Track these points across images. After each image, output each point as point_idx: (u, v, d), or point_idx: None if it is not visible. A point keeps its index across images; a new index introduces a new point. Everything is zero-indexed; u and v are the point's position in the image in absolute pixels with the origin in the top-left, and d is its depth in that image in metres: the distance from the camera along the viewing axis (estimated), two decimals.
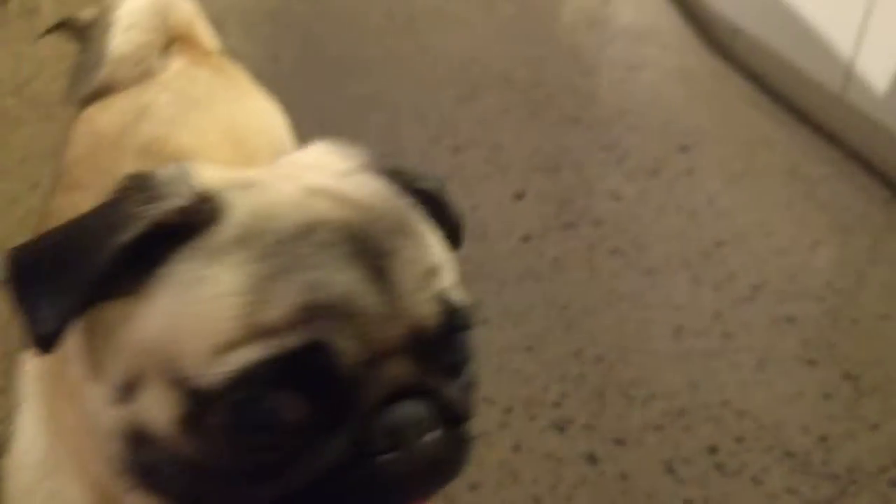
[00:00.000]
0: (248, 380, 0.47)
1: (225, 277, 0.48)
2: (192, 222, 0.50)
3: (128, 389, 0.50)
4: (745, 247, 1.52)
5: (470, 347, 0.56)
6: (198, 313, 0.48)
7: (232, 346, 0.47)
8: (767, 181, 1.71)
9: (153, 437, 0.49)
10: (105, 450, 0.53)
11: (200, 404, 0.48)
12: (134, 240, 0.49)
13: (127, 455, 0.51)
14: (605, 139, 1.84)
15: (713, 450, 1.17)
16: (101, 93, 0.88)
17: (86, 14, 0.94)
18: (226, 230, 0.50)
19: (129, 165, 0.75)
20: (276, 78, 2.04)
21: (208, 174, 0.54)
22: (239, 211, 0.51)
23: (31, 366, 0.62)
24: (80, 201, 0.69)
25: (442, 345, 0.52)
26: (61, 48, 1.04)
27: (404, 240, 0.53)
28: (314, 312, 0.48)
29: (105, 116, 0.85)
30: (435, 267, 0.54)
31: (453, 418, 0.53)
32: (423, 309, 0.51)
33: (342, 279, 0.49)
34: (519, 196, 1.65)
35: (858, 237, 1.56)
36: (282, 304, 0.48)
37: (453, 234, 0.61)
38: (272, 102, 0.98)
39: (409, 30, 2.32)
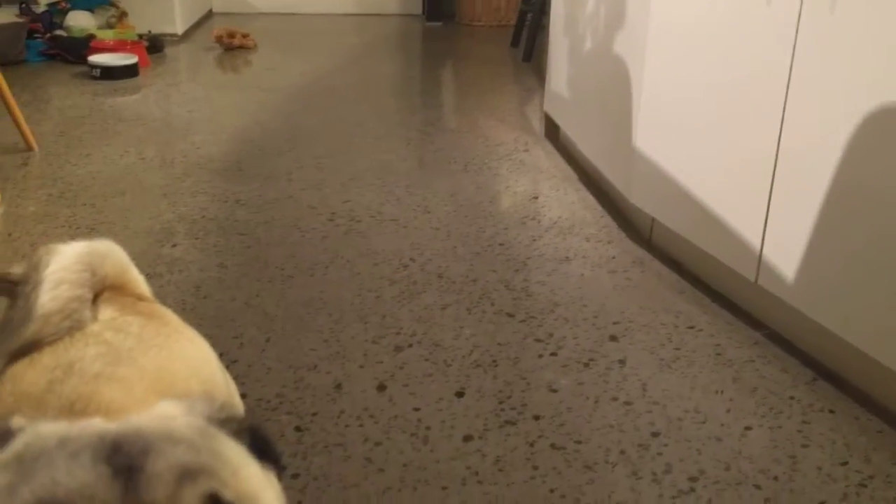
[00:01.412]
0: None
1: None
2: None
3: None
4: (680, 436, 1.56)
5: None
6: None
7: None
8: (696, 366, 1.78)
9: None
10: None
11: None
12: None
13: None
14: (538, 332, 1.91)
15: None
16: (28, 349, 0.90)
17: (16, 270, 0.98)
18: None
19: None
20: (222, 285, 2.11)
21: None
22: (22, 437, 0.57)
23: None
24: None
25: None
26: None
27: (172, 446, 0.56)
28: None
29: (30, 374, 0.86)
30: (207, 469, 0.56)
31: None
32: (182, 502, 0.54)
33: (82, 477, 0.53)
34: (459, 394, 1.68)
35: (788, 420, 1.61)
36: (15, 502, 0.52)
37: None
38: (202, 342, 1.02)
39: (351, 233, 2.43)
